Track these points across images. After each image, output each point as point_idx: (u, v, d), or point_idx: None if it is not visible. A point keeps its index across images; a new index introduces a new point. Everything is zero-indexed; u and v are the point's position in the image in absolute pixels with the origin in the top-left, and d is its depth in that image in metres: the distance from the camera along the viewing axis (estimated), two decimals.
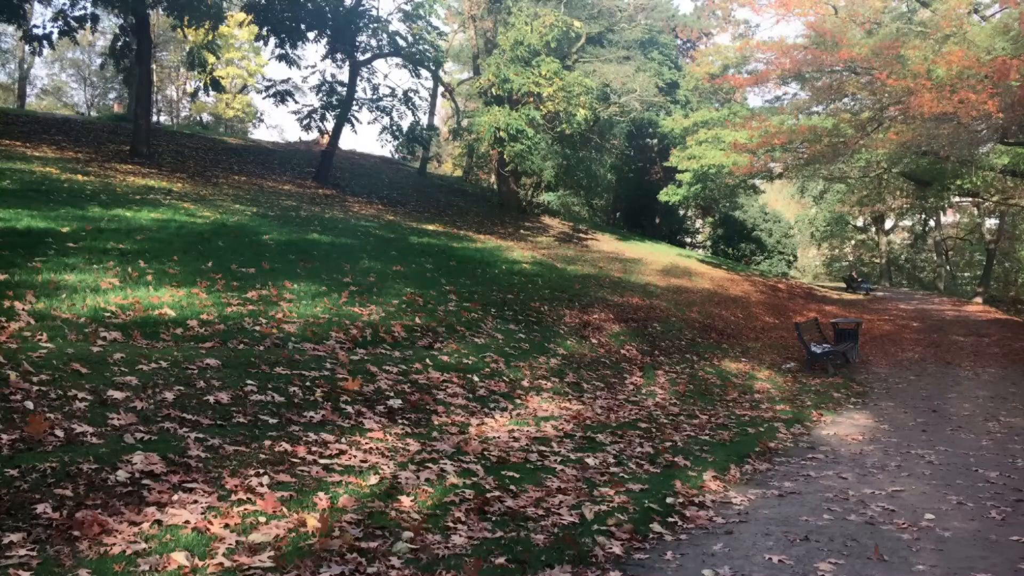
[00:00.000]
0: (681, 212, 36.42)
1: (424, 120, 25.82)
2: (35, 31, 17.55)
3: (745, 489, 5.89)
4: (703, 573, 4.04)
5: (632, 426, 7.68)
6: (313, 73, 63.73)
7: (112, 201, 11.97)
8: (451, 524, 4.30)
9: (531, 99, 20.94)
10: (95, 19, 17.50)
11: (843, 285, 33.53)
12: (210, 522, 3.80)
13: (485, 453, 5.82)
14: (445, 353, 8.60)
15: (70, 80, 47.78)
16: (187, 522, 3.75)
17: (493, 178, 29.98)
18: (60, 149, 16.99)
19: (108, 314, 6.96)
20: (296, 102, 23.71)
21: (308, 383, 6.42)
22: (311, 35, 20.18)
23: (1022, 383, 12.92)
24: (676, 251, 29.11)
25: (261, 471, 4.56)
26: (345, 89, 21.75)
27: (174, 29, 21.52)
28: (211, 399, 5.55)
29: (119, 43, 18.59)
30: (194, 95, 33.51)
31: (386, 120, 22.82)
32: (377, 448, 5.45)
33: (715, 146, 22.88)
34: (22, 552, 3.24)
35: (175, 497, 4.01)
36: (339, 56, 21.49)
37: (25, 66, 38.36)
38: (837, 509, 5.35)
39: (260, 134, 59.62)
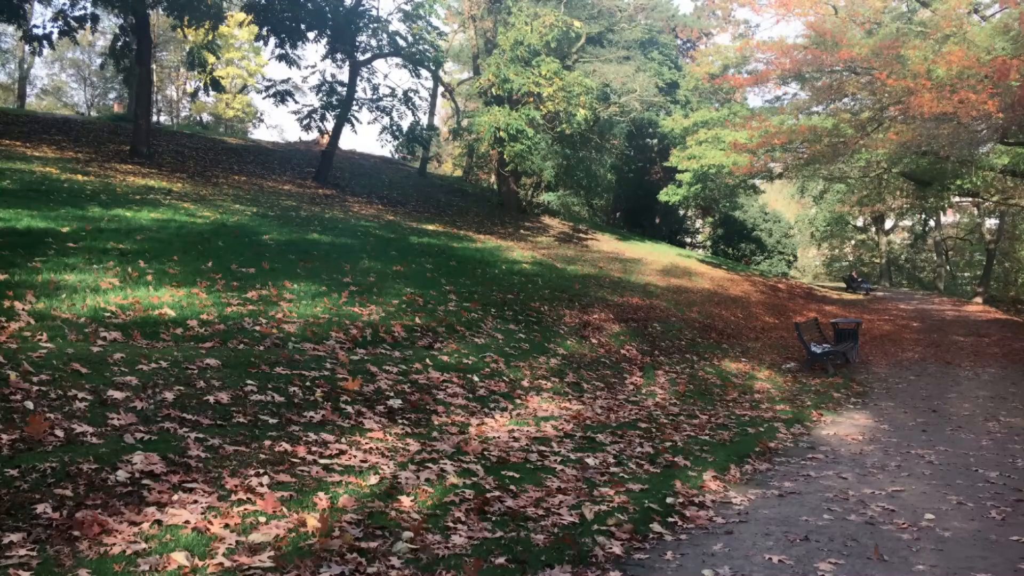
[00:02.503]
0: (681, 212, 36.41)
1: (424, 120, 25.82)
2: (35, 31, 17.55)
3: (745, 489, 5.89)
4: (703, 573, 4.04)
5: (632, 426, 7.68)
6: (313, 73, 63.59)
7: (112, 201, 11.97)
8: (451, 524, 4.30)
9: (531, 99, 20.94)
10: (95, 19, 17.50)
11: (843, 285, 33.53)
12: (210, 522, 3.80)
13: (485, 453, 5.83)
14: (445, 353, 8.60)
15: (70, 80, 47.82)
16: (187, 522, 3.75)
17: (493, 178, 29.99)
18: (60, 149, 16.99)
19: (108, 314, 6.96)
20: (296, 102, 23.72)
21: (308, 383, 6.42)
22: (311, 35, 20.18)
23: (1022, 383, 12.92)
24: (676, 251, 29.11)
25: (261, 471, 4.56)
26: (345, 89, 21.75)
27: (174, 29, 21.52)
28: (211, 399, 5.55)
29: (119, 43, 18.59)
30: (194, 95, 33.53)
31: (386, 120, 22.83)
32: (377, 448, 5.45)
33: (715, 146, 22.87)
34: (22, 552, 3.25)
35: (175, 497, 4.01)
36: (339, 56, 21.50)
37: (25, 66, 38.37)
38: (837, 509, 5.35)
39: (260, 134, 59.60)
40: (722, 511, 5.24)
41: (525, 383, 8.64)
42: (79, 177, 13.64)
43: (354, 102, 21.99)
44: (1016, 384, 12.81)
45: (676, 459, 6.45)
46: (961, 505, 5.58)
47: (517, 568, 3.84)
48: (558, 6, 24.85)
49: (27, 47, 23.28)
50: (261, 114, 65.31)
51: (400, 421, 6.30)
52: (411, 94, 23.04)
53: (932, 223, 43.03)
